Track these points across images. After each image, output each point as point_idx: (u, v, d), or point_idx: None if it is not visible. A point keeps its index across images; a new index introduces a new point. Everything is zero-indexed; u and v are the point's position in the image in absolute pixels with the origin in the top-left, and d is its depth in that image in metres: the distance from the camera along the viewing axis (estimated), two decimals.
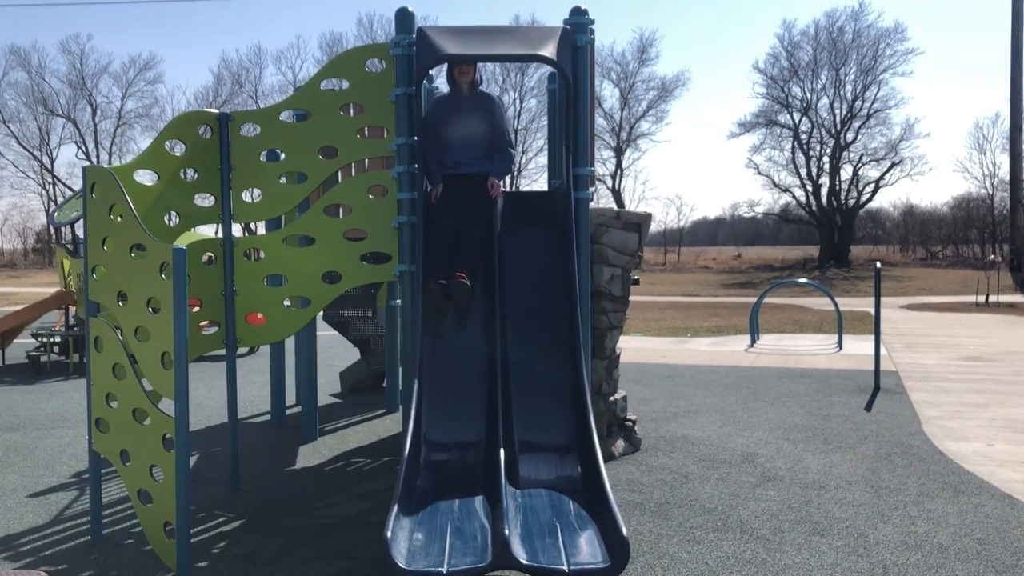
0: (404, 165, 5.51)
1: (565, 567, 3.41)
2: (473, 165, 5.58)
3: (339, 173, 6.19)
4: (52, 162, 58.07)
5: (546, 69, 6.32)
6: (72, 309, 12.64)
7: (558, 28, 5.48)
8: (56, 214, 12.76)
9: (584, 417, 4.46)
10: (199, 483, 5.96)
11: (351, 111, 5.83)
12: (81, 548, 4.73)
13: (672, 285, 37.36)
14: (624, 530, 3.52)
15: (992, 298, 24.21)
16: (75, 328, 12.38)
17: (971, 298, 25.29)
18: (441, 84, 6.82)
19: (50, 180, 57.68)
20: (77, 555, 4.61)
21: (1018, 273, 34.34)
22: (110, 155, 56.21)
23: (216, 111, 5.67)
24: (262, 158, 5.76)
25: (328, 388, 9.89)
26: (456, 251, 5.35)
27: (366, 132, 5.75)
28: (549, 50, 5.28)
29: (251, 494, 5.75)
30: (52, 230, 13.82)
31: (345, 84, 5.67)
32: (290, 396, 8.66)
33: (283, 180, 5.75)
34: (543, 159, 53.99)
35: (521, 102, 54.73)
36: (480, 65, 5.80)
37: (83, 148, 57.26)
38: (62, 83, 57.48)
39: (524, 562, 3.41)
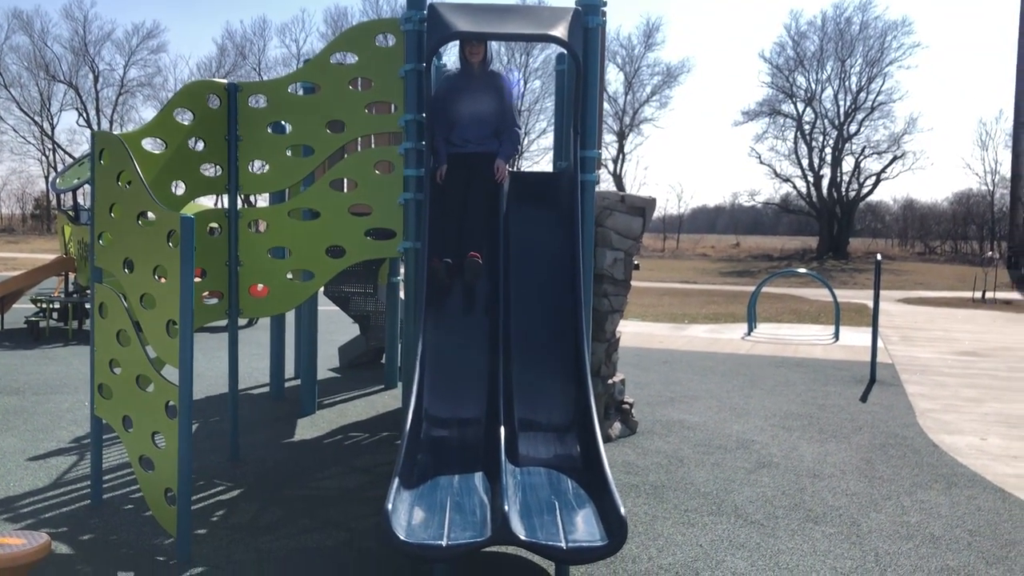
0: (412, 142, 5.51)
1: (563, 544, 3.45)
2: (481, 144, 5.56)
3: (344, 148, 6.19)
4: (52, 128, 57.90)
5: (552, 50, 6.31)
6: (72, 275, 12.64)
7: (570, 9, 5.46)
8: (57, 180, 12.73)
9: (585, 398, 4.49)
10: (198, 452, 5.98)
11: (359, 86, 5.82)
12: (81, 512, 4.77)
13: (670, 272, 37.39)
14: (622, 509, 3.56)
15: (989, 294, 24.25)
16: (75, 295, 12.39)
17: (968, 294, 25.34)
18: (450, 61, 6.81)
19: (50, 146, 57.55)
20: (78, 519, 4.65)
21: (1016, 270, 34.40)
22: (111, 123, 56.03)
23: (225, 81, 5.66)
24: (269, 130, 5.76)
25: (327, 363, 9.92)
26: (462, 229, 5.36)
27: (373, 109, 5.76)
28: (560, 31, 5.26)
29: (250, 464, 5.79)
30: (53, 196, 13.79)
31: (354, 58, 5.66)
32: (288, 369, 8.69)
33: (289, 153, 5.76)
34: (545, 141, 53.94)
35: (525, 83, 54.54)
36: (490, 43, 5.78)
37: (84, 115, 57.07)
38: (64, 49, 57.31)
39: (523, 538, 3.45)
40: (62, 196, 13.26)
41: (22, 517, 4.66)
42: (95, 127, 55.57)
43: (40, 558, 3.67)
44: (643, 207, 6.73)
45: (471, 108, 5.58)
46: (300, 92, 6.07)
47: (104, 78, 57.82)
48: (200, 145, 5.53)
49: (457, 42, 5.62)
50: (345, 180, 5.95)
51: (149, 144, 5.24)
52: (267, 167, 5.76)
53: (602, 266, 6.49)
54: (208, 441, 6.34)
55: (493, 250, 5.31)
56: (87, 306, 12.34)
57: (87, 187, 13.90)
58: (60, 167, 56.37)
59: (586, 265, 5.46)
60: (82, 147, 56.08)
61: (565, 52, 6.16)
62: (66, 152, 56.21)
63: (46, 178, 56.94)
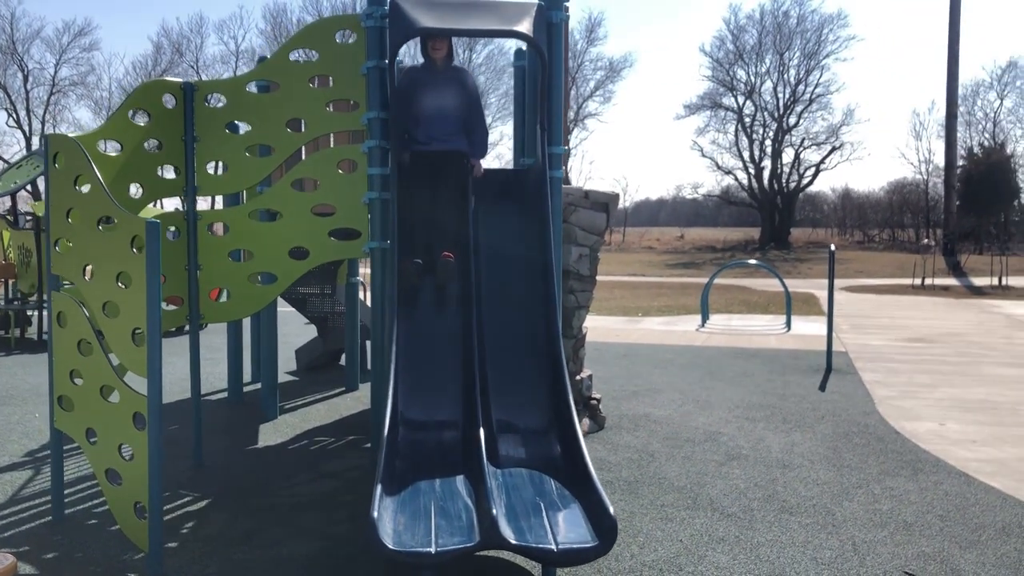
0: (375, 140, 5.42)
1: (553, 547, 3.41)
2: (447, 141, 5.46)
3: (303, 148, 6.06)
4: None
5: (497, 44, 6.28)
6: (11, 282, 12.24)
7: (533, 4, 5.42)
8: None
9: (563, 396, 4.46)
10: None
11: (320, 83, 5.71)
12: (43, 529, 4.59)
13: (617, 265, 37.63)
14: (611, 509, 3.53)
15: (928, 281, 24.87)
16: (15, 303, 12.00)
17: (908, 281, 25.96)
18: (407, 58, 6.72)
19: None
20: (39, 536, 4.48)
21: (951, 257, 35.33)
22: (43, 123, 54.43)
23: (180, 80, 5.50)
24: (228, 130, 5.62)
25: (284, 366, 9.73)
26: (432, 228, 5.29)
27: (330, 107, 5.64)
28: (525, 26, 5.22)
29: (215, 472, 5.64)
30: None
31: (315, 55, 5.54)
32: (245, 373, 8.51)
33: (248, 153, 5.61)
34: (491, 136, 53.78)
35: None
36: (452, 39, 5.71)
37: (14, 115, 55.28)
38: None
39: (513, 542, 3.40)
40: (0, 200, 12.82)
41: None
42: (26, 128, 54.00)
43: None
44: (607, 202, 6.72)
45: (436, 104, 5.46)
46: (255, 91, 5.91)
47: (34, 77, 56.04)
48: (156, 146, 5.37)
49: (419, 37, 5.54)
50: (305, 180, 5.83)
51: (104, 146, 5.06)
52: (226, 168, 5.61)
53: (568, 262, 6.46)
54: (170, 449, 6.16)
55: (464, 249, 5.24)
56: (29, 313, 11.98)
57: (25, 191, 13.47)
58: None
59: (556, 262, 5.43)
60: (12, 148, 54.48)
61: (525, 48, 6.13)
62: None
63: None
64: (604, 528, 3.49)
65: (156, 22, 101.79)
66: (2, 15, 59.17)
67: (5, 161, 51.39)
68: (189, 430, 5.93)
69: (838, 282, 26.23)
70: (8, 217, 12.41)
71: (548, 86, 5.47)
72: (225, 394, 8.20)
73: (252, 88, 5.66)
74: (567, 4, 5.59)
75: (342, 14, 5.85)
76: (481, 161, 5.54)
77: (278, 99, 5.54)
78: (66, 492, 5.07)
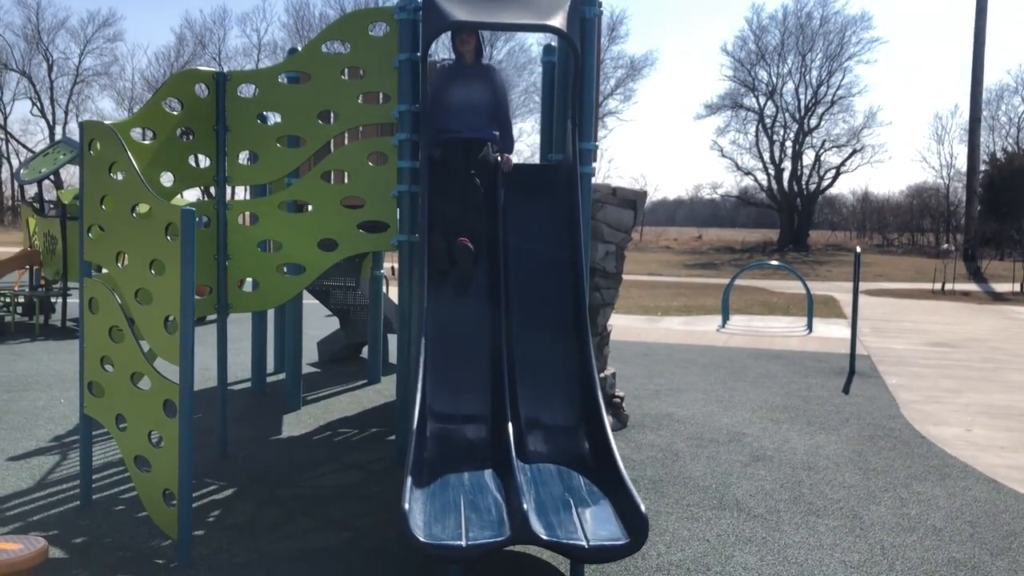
0: (406, 133, 5.41)
1: (584, 543, 3.39)
2: (476, 131, 5.49)
3: (332, 141, 6.06)
4: (5, 118, 56.53)
5: (519, 40, 6.29)
6: (37, 269, 12.33)
7: None
8: (22, 171, 12.38)
9: (592, 392, 4.44)
10: None
11: (352, 75, 5.71)
12: (70, 513, 4.62)
13: (635, 264, 37.51)
14: (643, 507, 3.52)
15: (948, 286, 24.68)
16: (40, 288, 12.08)
17: (927, 285, 25.76)
18: (438, 51, 6.71)
19: (2, 136, 56.11)
20: (67, 520, 4.50)
21: (972, 262, 35.03)
22: (66, 113, 54.92)
23: (213, 70, 5.51)
24: (259, 120, 5.63)
25: (306, 357, 9.74)
26: (461, 213, 5.29)
27: (361, 98, 5.64)
28: (559, 21, 5.20)
29: (240, 462, 5.66)
30: (18, 188, 13.45)
31: (347, 47, 5.54)
32: (268, 363, 8.54)
33: (279, 144, 5.62)
34: (519, 130, 53.77)
35: None
36: (481, 34, 5.72)
37: (38, 104, 55.86)
38: (16, 36, 55.86)
39: (544, 537, 3.39)
40: (26, 187, 12.91)
41: (9, 520, 4.50)
42: (50, 117, 54.42)
43: (38, 563, 3.54)
44: (634, 200, 6.70)
45: (465, 98, 5.52)
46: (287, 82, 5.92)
47: (59, 67, 56.64)
48: (188, 136, 5.38)
49: (449, 33, 5.55)
50: (333, 172, 5.84)
51: (137, 134, 5.08)
52: (257, 158, 5.62)
53: (594, 259, 6.44)
54: (195, 438, 6.16)
55: (493, 241, 5.23)
56: (53, 300, 12.06)
57: (49, 179, 13.54)
58: (13, 158, 55.14)
59: (585, 258, 5.41)
60: (36, 137, 54.94)
61: (555, 43, 6.10)
62: (19, 142, 55.01)
63: (12, 170, 55.56)
64: (635, 526, 3.48)
65: (179, 14, 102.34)
66: (28, 5, 59.73)
67: (29, 150, 51.81)
68: (213, 419, 5.95)
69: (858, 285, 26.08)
70: (34, 205, 12.49)
71: (580, 81, 5.45)
72: (248, 384, 8.22)
73: (284, 79, 5.67)
74: (600, 0, 5.57)
75: (375, 7, 5.80)
76: (510, 159, 5.53)
77: (310, 90, 5.55)
78: (93, 478, 5.10)
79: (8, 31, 57.93)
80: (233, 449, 5.91)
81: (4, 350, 9.98)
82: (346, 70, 5.67)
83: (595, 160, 5.66)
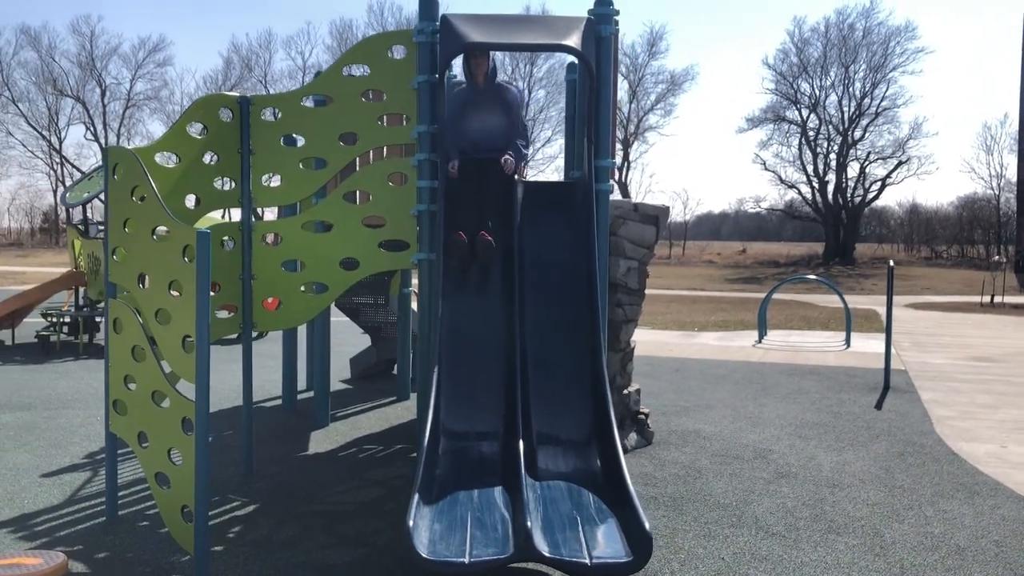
0: (425, 153, 5.49)
1: (587, 560, 3.40)
2: (491, 151, 5.63)
3: (356, 160, 6.17)
4: (60, 142, 58.19)
5: (557, 58, 6.33)
6: (82, 289, 12.64)
7: (583, 18, 5.44)
8: (68, 194, 12.74)
9: (604, 409, 4.45)
10: (212, 467, 5.94)
11: (374, 97, 5.80)
12: (96, 529, 4.73)
13: (677, 279, 37.34)
14: (647, 525, 3.52)
15: (997, 299, 24.18)
16: (85, 308, 12.38)
17: (976, 298, 25.27)
18: (460, 72, 6.80)
19: (58, 160, 57.75)
20: (93, 536, 4.62)
21: (1023, 274, 34.27)
22: (118, 136, 56.26)
23: (237, 94, 5.65)
24: (282, 143, 5.75)
25: (338, 374, 9.88)
26: (477, 225, 5.38)
27: (384, 120, 5.74)
28: (574, 40, 5.25)
29: (264, 479, 5.75)
30: (64, 210, 13.84)
31: (367, 70, 5.64)
32: (300, 381, 8.66)
33: (301, 166, 5.73)
34: (550, 149, 53.94)
35: (530, 92, 54.65)
36: (493, 56, 5.81)
37: (91, 129, 57.33)
38: (71, 63, 57.59)
39: (546, 555, 3.41)
40: (72, 210, 13.26)
41: (37, 535, 4.62)
42: (103, 141, 55.80)
43: None
44: (656, 215, 6.70)
45: (479, 123, 5.67)
46: (311, 104, 6.04)
47: (111, 92, 58.17)
48: (213, 159, 5.52)
49: (462, 56, 5.64)
50: (358, 192, 5.93)
51: (162, 158, 5.22)
52: (280, 180, 5.74)
53: (616, 275, 6.44)
54: (221, 455, 6.31)
55: (508, 256, 5.29)
56: (98, 320, 12.35)
57: (97, 201, 13.92)
58: (68, 181, 56.56)
59: (601, 275, 5.42)
60: (89, 161, 56.35)
61: (577, 61, 6.15)
62: (74, 166, 56.46)
63: (54, 192, 57.16)
64: (639, 543, 3.48)
65: (226, 38, 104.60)
66: (83, 33, 61.25)
67: (83, 173, 53.18)
68: (241, 436, 6.05)
69: (903, 299, 25.68)
70: (79, 227, 12.82)
71: (596, 99, 5.48)
72: (279, 401, 8.34)
73: (307, 102, 5.78)
74: (616, 18, 5.60)
75: (395, 30, 5.90)
76: (509, 159, 5.59)
77: (331, 113, 5.65)
78: (121, 494, 5.23)
79: (64, 58, 59.60)
80: (259, 466, 6.00)
81: (48, 368, 10.25)
82: (370, 92, 5.77)
83: (613, 177, 5.68)
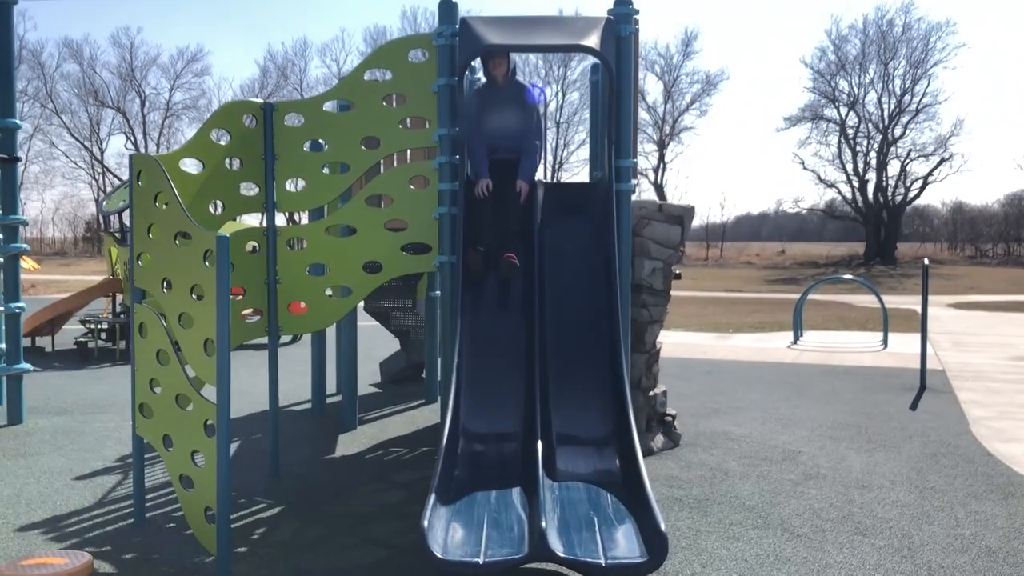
0: (446, 156, 5.51)
1: (602, 561, 3.39)
2: (509, 151, 5.67)
3: (381, 163, 6.21)
4: (102, 152, 59.31)
5: (589, 61, 6.29)
6: (119, 296, 12.87)
7: (602, 18, 5.44)
8: (105, 203, 12.99)
9: (623, 410, 4.43)
10: (240, 469, 6.02)
11: (394, 102, 5.84)
12: (124, 531, 4.80)
13: (714, 280, 37.06)
14: (662, 524, 3.49)
15: None
16: (122, 315, 12.59)
17: (1022, 297, 24.74)
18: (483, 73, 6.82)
19: (100, 170, 58.92)
20: (120, 537, 4.69)
21: None
22: (158, 145, 57.17)
23: (260, 101, 5.71)
24: (306, 148, 5.80)
25: (368, 378, 9.94)
26: (496, 232, 5.41)
27: (408, 123, 5.77)
28: (592, 40, 5.24)
29: (291, 481, 5.80)
30: (101, 218, 14.11)
31: (388, 75, 5.68)
32: (331, 385, 8.73)
33: (326, 170, 5.78)
34: (584, 152, 53.82)
35: (563, 95, 54.65)
36: (517, 56, 5.83)
37: (132, 139, 58.34)
38: (112, 75, 58.64)
39: (560, 555, 3.40)
40: (110, 218, 13.52)
41: (67, 536, 4.71)
42: (143, 150, 56.72)
43: None
44: (681, 216, 6.65)
45: (497, 122, 5.69)
46: (335, 110, 6.10)
47: (150, 102, 59.16)
48: (237, 164, 5.59)
49: (481, 57, 5.68)
50: (378, 196, 5.97)
51: (187, 164, 5.30)
52: (304, 185, 5.80)
53: (640, 276, 6.41)
54: (249, 458, 6.37)
55: (528, 259, 5.29)
56: None
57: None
58: (109, 190, 57.60)
59: (623, 275, 5.40)
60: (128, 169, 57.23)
61: (599, 62, 6.14)
62: (115, 175, 57.43)
63: (97, 202, 58.13)
64: (654, 544, 3.45)
65: (263, 46, 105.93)
66: (123, 44, 62.45)
67: (122, 181, 54.12)
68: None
69: (946, 298, 25.23)
70: (116, 235, 13.06)
71: (617, 99, 5.47)
72: (309, 405, 8.41)
73: (329, 107, 5.84)
74: (636, 17, 5.58)
75: (415, 34, 5.93)
76: (524, 186, 5.60)
77: (353, 118, 5.70)
78: (149, 496, 5.30)
79: (105, 70, 60.74)
80: (285, 468, 6.06)
81: (86, 374, 10.44)
82: (394, 97, 5.81)
83: (634, 176, 5.65)
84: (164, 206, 4.57)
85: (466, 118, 5.56)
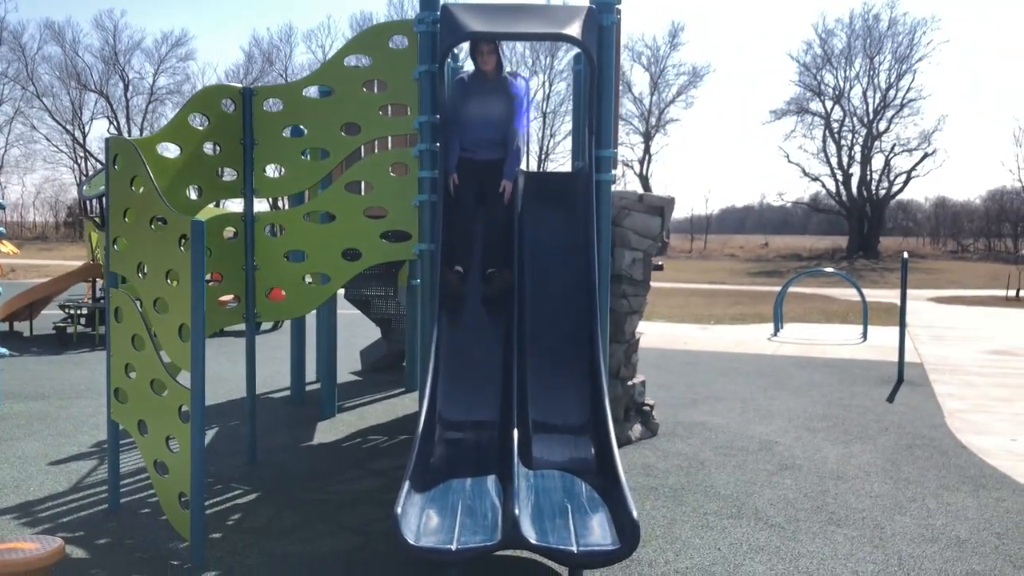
0: (426, 143, 5.48)
1: (574, 548, 3.40)
2: (492, 150, 5.56)
3: (362, 150, 6.18)
4: (84, 136, 58.76)
5: (575, 50, 6.26)
6: (100, 282, 12.77)
7: (584, 7, 5.41)
8: (85, 187, 12.87)
9: (599, 399, 4.44)
10: (217, 456, 6.01)
11: (375, 88, 5.80)
12: (98, 516, 4.78)
13: (697, 272, 37.16)
14: (634, 512, 3.50)
15: (1023, 292, 23.85)
16: (102, 300, 12.49)
17: (1002, 292, 24.94)
18: (466, 62, 6.77)
19: (82, 154, 58.32)
20: (94, 523, 4.67)
21: None
22: (141, 130, 56.67)
23: (239, 85, 5.67)
24: (285, 134, 5.76)
25: (348, 366, 9.92)
26: (476, 236, 5.35)
27: (388, 110, 5.74)
28: (574, 29, 5.22)
29: (268, 468, 5.79)
30: (82, 203, 13.99)
31: (369, 61, 5.65)
32: (310, 373, 8.71)
33: (306, 156, 5.75)
34: (570, 143, 53.83)
35: (550, 85, 54.57)
36: (505, 47, 5.77)
37: (115, 123, 57.77)
38: (95, 58, 58.04)
39: (533, 542, 3.40)
40: (91, 203, 13.40)
41: (40, 521, 4.68)
42: (126, 135, 56.25)
43: (53, 562, 3.67)
44: (662, 207, 6.66)
45: (481, 112, 5.56)
46: (316, 95, 6.05)
47: (134, 86, 58.58)
48: (216, 150, 5.55)
49: (469, 43, 5.60)
50: (362, 182, 5.94)
51: (165, 149, 5.26)
52: (283, 171, 5.76)
53: (620, 266, 6.42)
54: (227, 445, 6.36)
55: (508, 253, 5.27)
56: None
57: None
58: (91, 174, 57.11)
59: (603, 265, 5.40)
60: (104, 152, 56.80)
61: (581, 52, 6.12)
62: (97, 160, 56.86)
63: (78, 186, 57.63)
64: (626, 532, 3.46)
65: (248, 32, 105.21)
66: (106, 27, 61.71)
67: (103, 165, 53.68)
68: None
69: (927, 292, 25.41)
70: (96, 219, 12.95)
71: (598, 88, 5.45)
72: (288, 392, 8.39)
73: (309, 93, 5.80)
74: (618, 7, 5.57)
75: (395, 20, 5.87)
76: (508, 183, 5.52)
77: (334, 104, 5.66)
78: (124, 482, 5.28)
79: (87, 53, 60.22)
80: (263, 455, 6.04)
81: (64, 360, 10.37)
82: (375, 83, 5.77)
83: (615, 167, 5.65)
84: (140, 190, 4.54)
85: (445, 108, 5.50)
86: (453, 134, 5.53)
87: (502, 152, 5.54)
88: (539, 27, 5.34)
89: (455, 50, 5.97)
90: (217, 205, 8.65)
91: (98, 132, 70.22)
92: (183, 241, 4.17)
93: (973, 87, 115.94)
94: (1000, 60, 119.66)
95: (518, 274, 5.15)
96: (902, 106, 49.75)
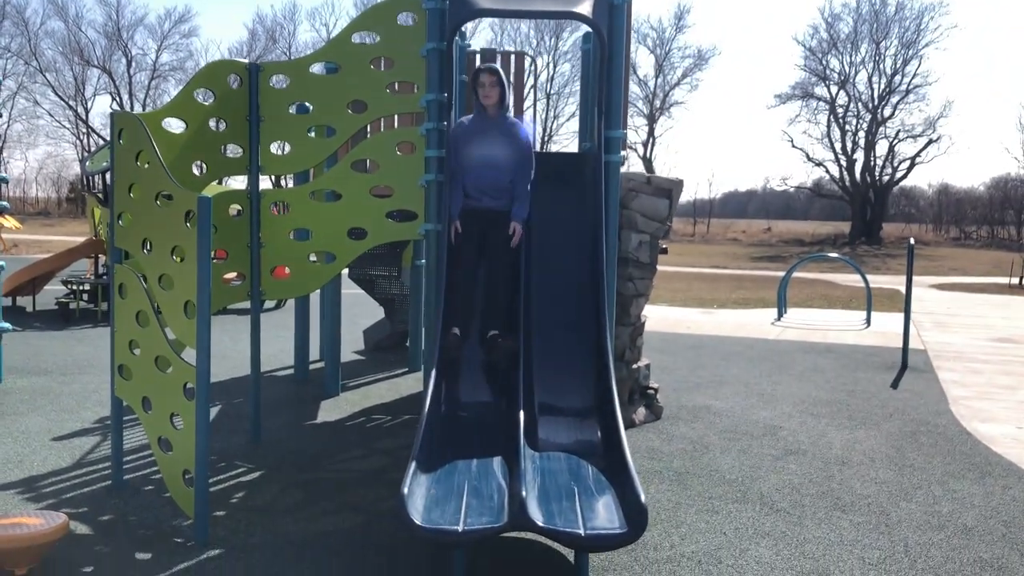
0: (433, 122, 5.43)
1: (581, 531, 3.38)
2: (496, 197, 5.17)
3: (368, 128, 6.12)
4: (87, 112, 58.42)
5: (581, 30, 6.20)
6: (102, 258, 12.74)
7: None
8: (88, 163, 12.82)
9: (606, 381, 4.42)
10: (220, 434, 5.99)
11: (382, 65, 5.75)
12: (102, 493, 4.77)
13: (700, 256, 37.09)
14: (642, 496, 3.48)
15: None
16: (104, 276, 12.47)
17: (1004, 279, 24.88)
18: (473, 41, 6.69)
19: (84, 130, 58.07)
20: (97, 499, 4.66)
21: None
22: (143, 107, 56.37)
23: (246, 61, 5.61)
24: (291, 110, 5.71)
25: (352, 345, 9.90)
26: (480, 290, 5.07)
27: (395, 87, 5.68)
28: (585, 8, 5.15)
29: (272, 446, 5.77)
30: (84, 178, 13.93)
31: (376, 37, 5.59)
32: (314, 352, 8.69)
33: (312, 133, 5.70)
34: (573, 124, 53.61)
35: (554, 66, 54.28)
36: (506, 87, 5.42)
37: (117, 99, 57.48)
38: (98, 34, 57.84)
39: (540, 524, 3.38)
40: (93, 178, 13.35)
41: (43, 497, 4.67)
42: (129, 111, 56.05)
43: (57, 538, 3.67)
44: (670, 189, 6.61)
45: (485, 154, 5.15)
46: (322, 72, 6.00)
47: (137, 63, 58.24)
48: (222, 126, 5.50)
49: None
50: (368, 161, 5.89)
51: (171, 124, 5.21)
52: (289, 148, 5.71)
53: (627, 249, 6.38)
54: (231, 422, 6.34)
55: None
56: None
57: None
58: (93, 150, 56.97)
59: (610, 247, 5.36)
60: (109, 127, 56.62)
61: (591, 30, 6.05)
62: (100, 136, 56.68)
63: (81, 162, 57.49)
64: (634, 515, 3.44)
65: (251, 9, 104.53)
66: (109, 3, 61.47)
67: (106, 141, 53.50)
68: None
69: (930, 279, 25.35)
70: (99, 196, 12.91)
71: (608, 68, 5.40)
72: (292, 371, 8.37)
73: (315, 69, 5.74)
74: None
75: None
76: (519, 229, 5.09)
77: (340, 81, 5.60)
78: (128, 459, 5.26)
79: (91, 28, 59.89)
80: (267, 434, 6.03)
81: (67, 335, 10.36)
82: (382, 60, 5.71)
83: (623, 148, 5.60)
84: (146, 165, 4.49)
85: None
86: (456, 179, 5.20)
87: (507, 200, 5.15)
88: (549, 5, 5.28)
89: (463, 28, 5.90)
90: (220, 182, 8.61)
91: (101, 108, 70.16)
92: (189, 217, 4.14)
93: (987, 66, 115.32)
94: (1014, 39, 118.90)
95: (525, 255, 5.10)
96: (907, 92, 49.48)
